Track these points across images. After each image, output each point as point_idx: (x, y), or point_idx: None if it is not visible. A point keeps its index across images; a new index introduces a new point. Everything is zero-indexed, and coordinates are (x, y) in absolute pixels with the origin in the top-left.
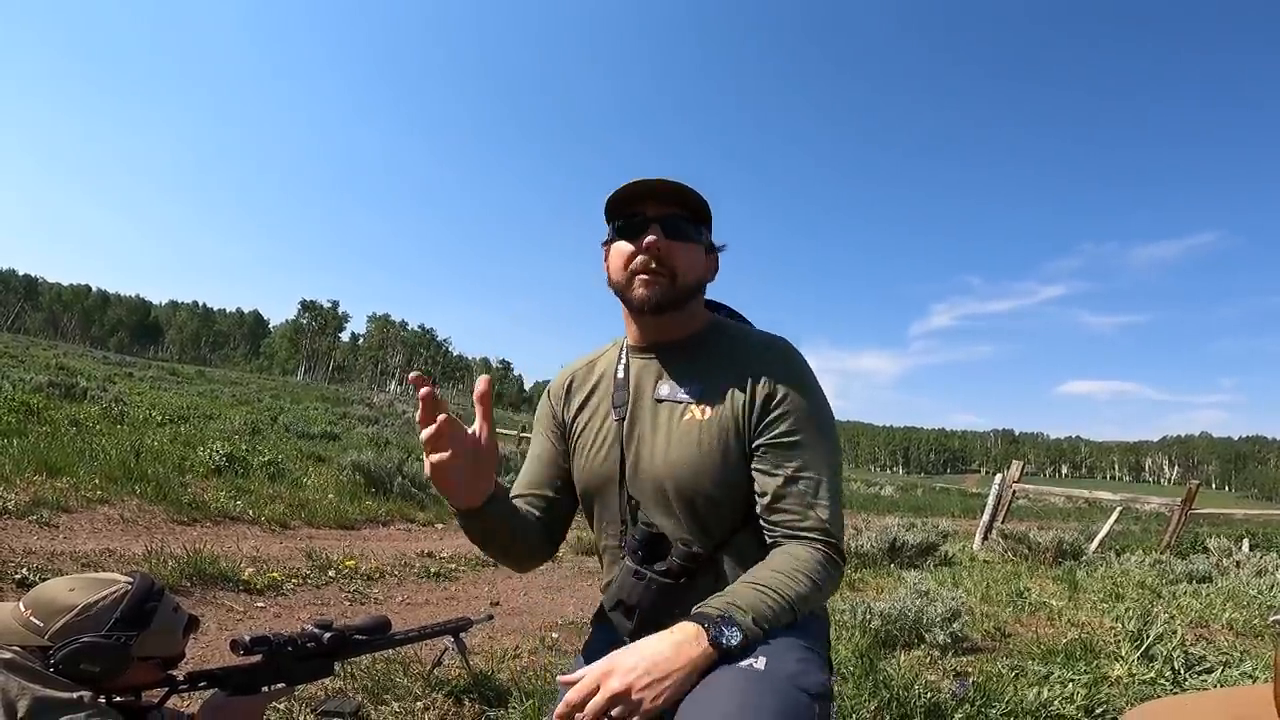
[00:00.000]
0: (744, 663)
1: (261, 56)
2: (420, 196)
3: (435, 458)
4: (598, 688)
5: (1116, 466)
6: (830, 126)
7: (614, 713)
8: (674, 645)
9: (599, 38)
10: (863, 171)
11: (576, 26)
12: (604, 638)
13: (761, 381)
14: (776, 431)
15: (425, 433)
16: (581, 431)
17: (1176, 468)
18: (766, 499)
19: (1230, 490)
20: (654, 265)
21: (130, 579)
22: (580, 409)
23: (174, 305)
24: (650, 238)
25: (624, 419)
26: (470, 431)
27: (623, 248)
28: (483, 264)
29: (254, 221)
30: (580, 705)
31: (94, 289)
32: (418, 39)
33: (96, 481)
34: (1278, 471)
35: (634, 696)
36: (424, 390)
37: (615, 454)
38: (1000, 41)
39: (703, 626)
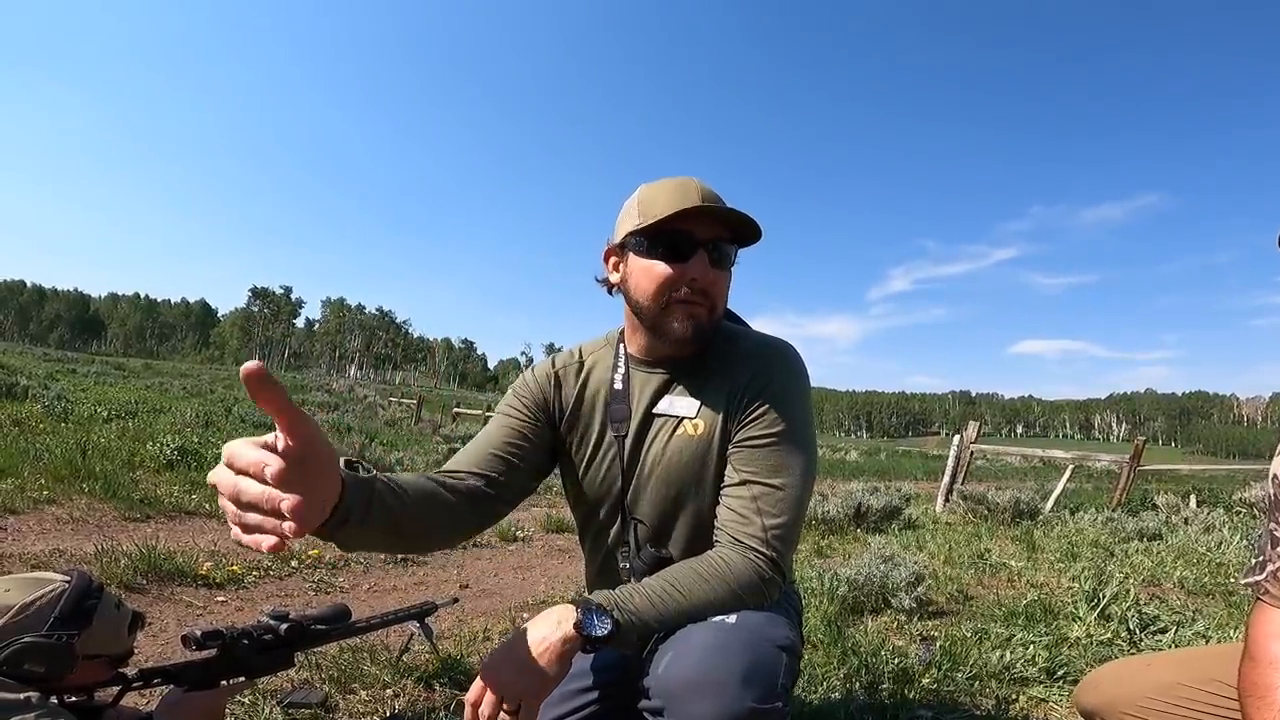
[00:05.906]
0: (715, 618)
1: (204, 29)
2: (374, 174)
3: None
4: (485, 687)
5: (1068, 424)
6: (788, 94)
7: (505, 706)
8: (544, 631)
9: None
10: (824, 138)
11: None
12: None
13: (746, 388)
14: (746, 435)
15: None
16: (579, 443)
17: (1124, 424)
18: (721, 499)
19: (1175, 446)
20: (699, 296)
21: (67, 577)
22: (575, 414)
23: (115, 298)
24: (700, 268)
25: (624, 435)
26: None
27: (660, 270)
28: (443, 243)
29: (196, 205)
30: (477, 704)
31: (29, 284)
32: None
33: (42, 481)
34: (1220, 426)
35: (514, 689)
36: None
37: (617, 473)
38: (955, 8)
39: (576, 612)
